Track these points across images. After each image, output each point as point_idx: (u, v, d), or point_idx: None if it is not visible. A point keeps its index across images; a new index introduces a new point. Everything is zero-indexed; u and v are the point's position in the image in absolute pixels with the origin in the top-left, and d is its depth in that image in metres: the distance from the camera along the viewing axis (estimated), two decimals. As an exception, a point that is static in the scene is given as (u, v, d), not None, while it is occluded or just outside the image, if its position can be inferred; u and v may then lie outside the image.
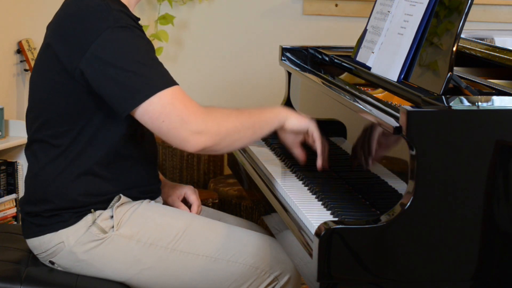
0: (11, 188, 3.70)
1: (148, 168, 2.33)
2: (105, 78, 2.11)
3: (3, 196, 3.61)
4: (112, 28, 2.10)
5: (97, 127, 2.20)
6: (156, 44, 4.23)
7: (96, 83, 2.13)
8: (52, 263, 2.28)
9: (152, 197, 2.36)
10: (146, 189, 2.32)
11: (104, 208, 2.25)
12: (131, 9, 2.27)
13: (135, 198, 2.30)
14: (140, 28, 2.19)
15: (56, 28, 2.21)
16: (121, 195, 2.25)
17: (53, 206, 2.23)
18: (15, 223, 3.58)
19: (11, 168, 3.70)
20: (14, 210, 3.60)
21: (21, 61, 3.88)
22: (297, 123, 2.28)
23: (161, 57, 4.23)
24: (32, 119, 2.28)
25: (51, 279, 2.25)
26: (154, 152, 2.38)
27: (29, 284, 2.21)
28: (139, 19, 2.33)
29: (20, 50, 3.83)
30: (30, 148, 2.29)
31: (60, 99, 2.20)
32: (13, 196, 3.62)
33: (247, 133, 2.20)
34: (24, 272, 2.25)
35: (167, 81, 2.11)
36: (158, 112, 2.09)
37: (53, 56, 2.19)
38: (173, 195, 2.50)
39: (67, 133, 2.21)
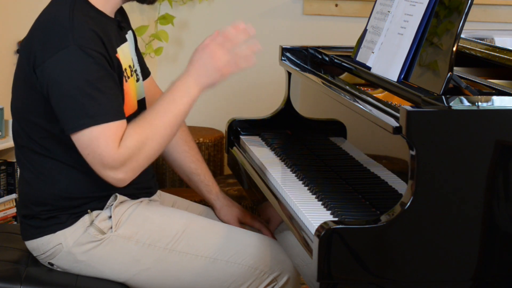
0: (11, 188, 3.69)
1: None
2: (51, 95, 2.12)
3: (3, 196, 3.60)
4: (68, 48, 2.09)
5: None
6: (156, 44, 4.23)
7: (46, 96, 2.14)
8: (51, 264, 2.28)
9: (149, 194, 2.36)
10: (141, 185, 2.32)
11: (101, 208, 2.24)
12: (110, 13, 2.25)
13: (131, 195, 2.29)
14: (102, 52, 2.14)
15: (27, 35, 2.23)
16: (117, 194, 2.25)
17: (49, 208, 2.23)
18: (15, 223, 3.58)
19: (11, 168, 3.69)
20: (14, 210, 3.59)
21: (21, 61, 3.87)
22: (217, 82, 2.20)
23: (161, 57, 4.26)
24: (13, 128, 2.29)
25: (51, 279, 2.25)
26: None
27: (29, 284, 2.21)
28: (120, 21, 2.31)
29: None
30: (16, 154, 2.32)
31: (31, 109, 2.20)
32: (13, 196, 3.62)
33: (167, 141, 2.17)
34: (24, 272, 2.25)
35: (106, 116, 2.10)
36: (85, 144, 2.11)
37: (21, 65, 2.22)
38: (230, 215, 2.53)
39: (48, 137, 2.21)
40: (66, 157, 2.21)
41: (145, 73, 2.51)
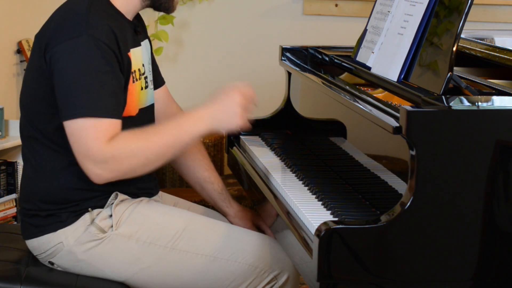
0: (11, 188, 3.69)
1: None
2: (55, 80, 2.14)
3: (3, 196, 3.61)
4: (80, 37, 2.12)
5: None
6: (156, 44, 4.23)
7: (52, 80, 2.16)
8: (52, 263, 2.28)
9: (149, 194, 2.36)
10: (142, 185, 2.32)
11: (101, 207, 2.25)
12: (129, 16, 2.28)
13: (132, 194, 2.30)
14: (113, 48, 2.16)
15: (43, 26, 2.25)
16: (117, 192, 2.25)
17: (50, 203, 2.24)
18: (15, 223, 3.58)
19: (11, 168, 3.69)
20: (14, 210, 3.60)
21: (21, 61, 3.87)
22: (226, 128, 2.23)
23: (161, 57, 4.26)
24: (21, 119, 2.30)
25: (51, 279, 2.25)
26: None
27: (29, 284, 2.21)
28: (138, 25, 2.33)
29: (20, 50, 3.83)
30: (22, 149, 2.33)
31: (39, 98, 2.22)
32: (13, 196, 3.62)
33: (157, 163, 2.18)
34: (24, 272, 2.25)
35: (101, 110, 2.11)
36: (73, 133, 2.12)
37: (33, 54, 2.23)
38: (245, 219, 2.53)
39: (53, 130, 2.22)
40: (68, 150, 2.21)
41: (159, 82, 2.53)
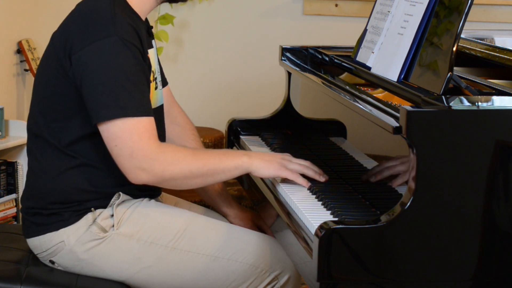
0: (11, 188, 3.69)
1: None
2: (84, 83, 2.13)
3: (3, 196, 3.61)
4: (108, 38, 2.11)
5: (91, 124, 2.20)
6: (156, 44, 4.23)
7: (78, 83, 2.15)
8: (52, 262, 2.28)
9: (152, 195, 2.36)
10: (145, 186, 2.32)
11: (104, 207, 2.25)
12: (143, 16, 2.28)
13: (134, 195, 2.30)
14: (139, 48, 2.17)
15: (61, 25, 2.24)
16: (120, 193, 2.26)
17: (53, 202, 2.24)
18: (15, 223, 3.58)
19: (11, 168, 3.69)
20: (14, 210, 3.60)
21: (21, 61, 3.88)
22: (265, 173, 2.24)
23: (161, 57, 4.26)
24: (31, 116, 2.30)
25: (51, 279, 2.25)
26: None
27: (29, 284, 2.21)
28: (151, 27, 2.34)
29: (20, 50, 3.83)
30: (28, 144, 2.32)
31: (57, 97, 2.22)
32: (13, 196, 3.62)
33: (196, 181, 2.19)
34: (24, 272, 2.25)
35: (138, 109, 2.12)
36: (115, 135, 2.12)
37: (53, 53, 2.22)
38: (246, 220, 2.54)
39: (65, 130, 2.22)
40: (78, 151, 2.22)
41: (164, 82, 2.55)
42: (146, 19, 2.36)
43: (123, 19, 2.15)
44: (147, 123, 2.13)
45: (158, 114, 2.35)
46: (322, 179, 2.24)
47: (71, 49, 2.15)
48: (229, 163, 2.21)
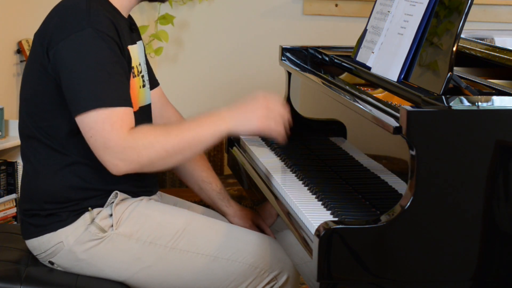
0: (11, 188, 3.69)
1: None
2: (62, 77, 2.14)
3: (3, 196, 3.61)
4: (83, 31, 2.12)
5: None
6: (156, 44, 4.23)
7: (57, 79, 2.16)
8: (52, 263, 2.28)
9: (149, 193, 2.36)
10: (142, 183, 2.32)
11: (102, 205, 2.25)
12: (125, 13, 2.28)
13: (131, 193, 2.30)
14: (116, 40, 2.17)
15: (41, 25, 2.25)
16: (117, 192, 2.26)
17: (50, 202, 2.24)
18: (15, 223, 3.58)
19: (11, 168, 3.69)
20: (14, 210, 3.60)
21: (21, 61, 3.87)
22: (245, 129, 2.22)
23: (161, 57, 4.26)
24: (20, 119, 2.31)
25: (51, 279, 2.25)
26: None
27: (29, 284, 2.21)
28: (134, 23, 2.34)
29: (20, 50, 3.83)
30: (21, 147, 2.33)
31: (40, 95, 2.23)
32: (13, 196, 3.62)
33: (176, 158, 2.17)
34: (24, 272, 2.25)
35: (113, 100, 2.11)
36: (89, 126, 2.11)
37: (34, 52, 2.23)
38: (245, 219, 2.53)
39: (54, 128, 2.22)
40: (70, 149, 2.22)
41: (154, 83, 2.54)
42: (130, 16, 2.36)
43: (99, 12, 2.16)
44: (122, 113, 2.12)
45: (146, 112, 2.35)
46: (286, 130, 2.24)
47: (49, 45, 2.16)
48: (205, 132, 2.17)
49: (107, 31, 2.14)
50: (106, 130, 2.09)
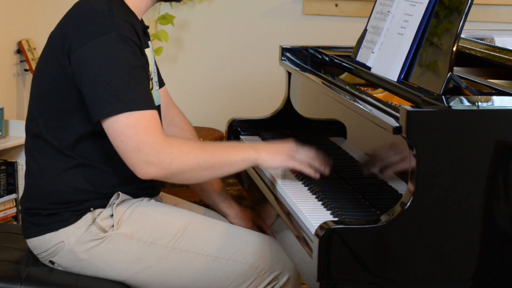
0: (11, 188, 3.70)
1: None
2: (85, 81, 2.13)
3: (3, 196, 3.61)
4: (107, 35, 2.11)
5: (91, 122, 2.20)
6: (156, 44, 4.23)
7: (78, 82, 2.15)
8: (52, 262, 2.28)
9: (151, 194, 2.36)
10: (143, 185, 2.32)
11: (104, 206, 2.25)
12: (140, 15, 2.28)
13: (133, 194, 2.30)
14: (138, 43, 2.18)
15: (59, 25, 2.24)
16: (119, 192, 2.26)
17: (52, 202, 2.24)
18: (15, 223, 3.58)
19: (11, 168, 3.70)
20: (14, 210, 3.60)
21: (21, 61, 3.88)
22: (272, 164, 2.24)
23: (161, 57, 4.26)
24: (29, 116, 2.30)
25: (51, 279, 2.25)
26: None
27: (29, 284, 2.21)
28: (147, 27, 2.35)
29: (20, 50, 3.84)
30: (27, 145, 2.32)
31: (56, 95, 2.22)
32: (13, 196, 3.62)
33: (204, 173, 2.18)
34: (24, 272, 2.25)
35: (141, 103, 2.11)
36: (120, 130, 2.10)
37: (51, 53, 2.22)
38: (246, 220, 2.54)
39: (64, 128, 2.22)
40: (77, 151, 2.21)
41: (160, 83, 2.55)
42: (142, 19, 2.36)
43: (120, 16, 2.15)
44: (151, 116, 2.12)
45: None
46: (327, 171, 2.25)
47: (70, 48, 2.15)
48: (236, 156, 2.20)
49: (130, 35, 2.14)
50: (140, 134, 2.09)
